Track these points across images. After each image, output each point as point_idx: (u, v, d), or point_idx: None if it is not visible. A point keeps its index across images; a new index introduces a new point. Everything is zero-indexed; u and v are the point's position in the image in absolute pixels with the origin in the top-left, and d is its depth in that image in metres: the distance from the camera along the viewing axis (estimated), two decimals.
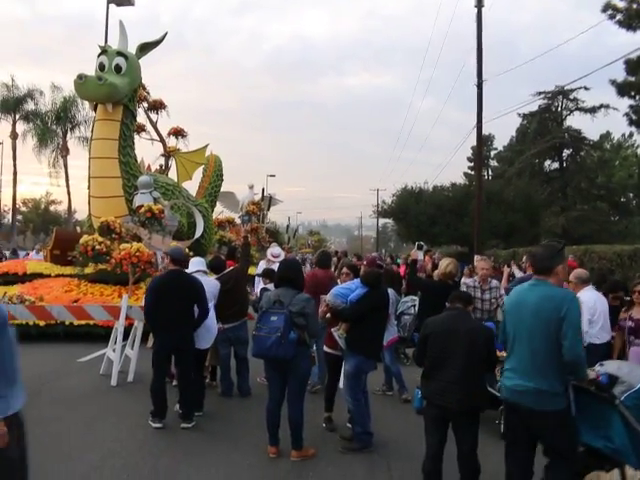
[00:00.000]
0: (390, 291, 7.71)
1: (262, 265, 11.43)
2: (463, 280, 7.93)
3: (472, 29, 23.99)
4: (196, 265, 7.45)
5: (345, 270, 7.25)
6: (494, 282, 7.89)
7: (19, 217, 53.94)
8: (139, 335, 8.71)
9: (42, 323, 11.18)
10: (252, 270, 11.60)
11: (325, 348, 6.64)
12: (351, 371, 5.98)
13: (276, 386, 5.71)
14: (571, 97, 44.12)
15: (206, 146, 19.90)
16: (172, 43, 19.45)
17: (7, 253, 27.17)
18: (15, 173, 42.42)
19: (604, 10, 29.66)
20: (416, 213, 41.27)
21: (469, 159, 58.02)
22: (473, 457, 4.48)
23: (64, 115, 40.19)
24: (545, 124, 46.04)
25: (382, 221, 67.85)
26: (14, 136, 41.49)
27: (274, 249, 11.69)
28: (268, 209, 28.95)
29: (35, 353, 10.59)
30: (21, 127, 41.45)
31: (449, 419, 4.51)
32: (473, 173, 47.55)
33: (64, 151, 41.76)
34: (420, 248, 9.62)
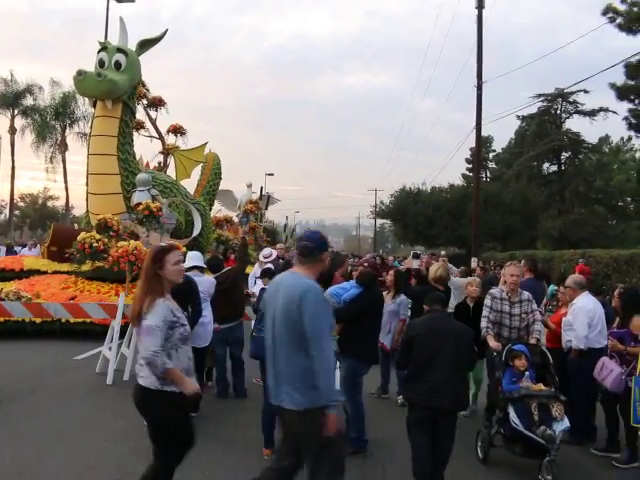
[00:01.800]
0: (403, 296, 7.82)
1: (256, 268, 11.38)
2: (490, 291, 6.64)
3: (472, 30, 24.09)
4: (193, 260, 7.37)
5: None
6: (525, 294, 6.49)
7: (16, 212, 53.78)
8: (135, 334, 8.68)
9: (38, 320, 11.15)
10: (249, 269, 11.54)
11: None
12: (345, 375, 5.95)
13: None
14: (570, 100, 44.22)
15: (205, 144, 19.85)
16: (172, 40, 19.47)
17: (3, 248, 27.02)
18: (13, 168, 42.36)
19: (604, 13, 29.77)
20: (414, 214, 41.37)
21: (467, 161, 58.08)
22: (450, 453, 4.74)
23: (63, 111, 40.13)
24: (544, 127, 46.10)
25: (380, 221, 68.09)
26: (12, 131, 41.39)
27: (265, 250, 11.66)
28: (266, 208, 28.93)
29: (31, 350, 10.59)
30: (20, 122, 41.41)
31: (437, 419, 4.51)
32: (471, 175, 47.71)
33: (62, 147, 41.71)
34: (417, 257, 9.57)
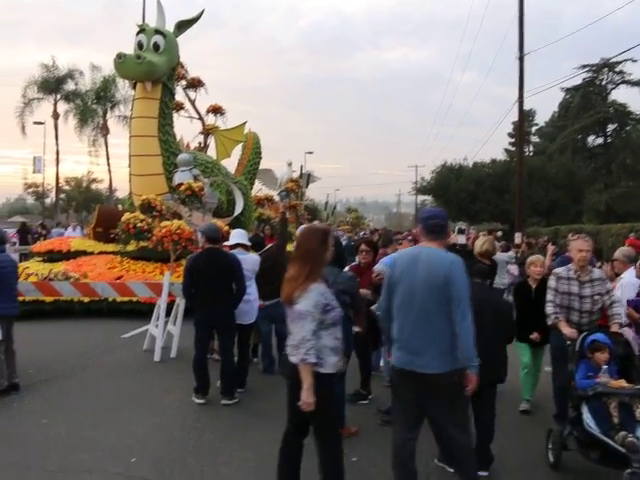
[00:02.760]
0: None
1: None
2: (554, 271, 5.94)
3: (513, 0, 23.41)
4: (237, 238, 7.32)
5: (364, 247, 6.93)
6: (597, 272, 5.76)
7: (62, 196, 54.82)
8: (181, 312, 8.79)
9: (86, 299, 11.38)
10: (289, 247, 11.55)
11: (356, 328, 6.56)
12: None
13: None
14: (617, 70, 42.82)
15: (244, 123, 19.87)
16: (209, 21, 19.40)
17: (54, 231, 27.63)
18: (57, 152, 43.13)
19: None
20: (456, 190, 40.83)
21: (510, 135, 56.94)
22: (492, 424, 4.76)
23: (104, 94, 40.65)
24: (589, 98, 44.81)
25: (421, 198, 67.19)
26: (56, 116, 42.10)
27: (302, 228, 11.63)
28: (306, 186, 28.90)
29: (80, 329, 10.83)
30: (62, 107, 42.08)
31: (477, 392, 4.44)
32: (514, 149, 46.87)
33: (104, 130, 42.29)
34: (462, 232, 9.35)
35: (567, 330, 5.30)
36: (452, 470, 4.44)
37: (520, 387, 6.50)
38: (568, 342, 5.20)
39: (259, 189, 23.58)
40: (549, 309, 5.60)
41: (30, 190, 62.90)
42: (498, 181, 39.52)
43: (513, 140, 53.84)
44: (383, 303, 4.09)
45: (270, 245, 8.24)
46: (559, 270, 5.81)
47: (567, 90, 46.19)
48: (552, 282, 5.70)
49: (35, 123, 41.01)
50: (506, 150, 57.14)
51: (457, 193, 40.93)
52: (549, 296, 5.66)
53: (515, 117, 25.82)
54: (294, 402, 3.75)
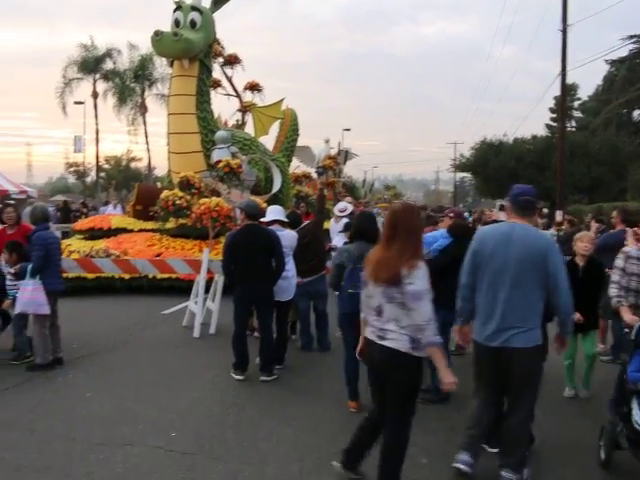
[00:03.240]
0: None
1: (333, 222, 11.31)
2: (623, 249, 5.60)
3: None
4: (274, 214, 7.25)
5: None
6: None
7: (102, 174, 55.61)
8: (220, 288, 8.85)
9: (127, 276, 11.54)
10: (326, 224, 11.50)
11: None
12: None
13: (354, 343, 5.66)
14: None
15: (282, 100, 19.81)
16: None
17: (102, 209, 28.10)
18: (97, 131, 43.70)
19: None
20: (495, 166, 40.25)
21: (551, 110, 55.62)
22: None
23: (142, 73, 40.96)
24: (635, 71, 43.40)
25: (460, 175, 66.53)
26: (95, 95, 42.57)
27: (339, 204, 11.56)
28: (344, 163, 28.78)
29: (121, 305, 10.99)
30: (101, 86, 42.52)
31: None
32: (556, 124, 45.84)
33: (142, 109, 42.67)
34: (503, 209, 9.18)
35: (628, 317, 5.04)
36: (492, 450, 4.40)
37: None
38: (626, 329, 4.88)
39: (297, 166, 23.54)
40: (613, 291, 5.36)
41: (71, 169, 63.93)
42: (539, 157, 38.79)
43: (555, 115, 52.54)
44: (466, 278, 4.13)
45: (307, 222, 8.21)
46: (629, 249, 5.55)
47: (612, 62, 44.80)
48: (619, 261, 5.45)
49: (75, 103, 41.46)
50: (547, 126, 55.89)
51: (497, 170, 40.33)
52: (615, 277, 5.42)
53: (557, 91, 25.30)
54: (380, 385, 3.80)
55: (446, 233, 6.12)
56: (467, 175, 60.06)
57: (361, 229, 5.69)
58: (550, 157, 34.99)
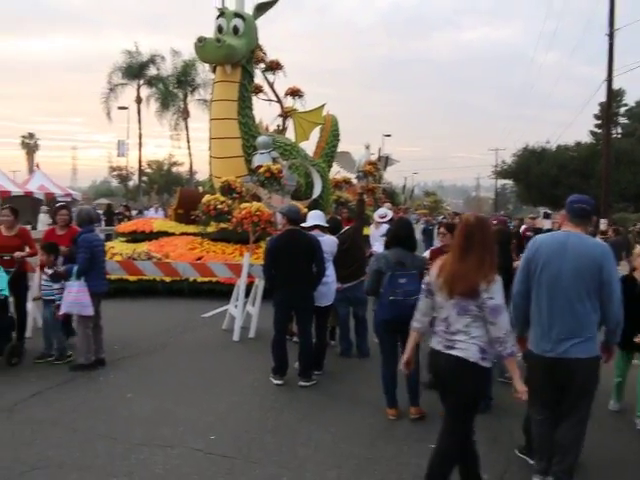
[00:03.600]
0: None
1: (372, 228, 11.26)
2: None
3: None
4: (314, 219, 7.21)
5: (442, 230, 6.74)
6: None
7: (144, 178, 56.45)
8: (260, 293, 8.88)
9: (168, 279, 11.66)
10: (366, 230, 11.46)
11: None
12: None
13: (392, 350, 5.66)
14: None
15: (323, 106, 19.82)
16: (286, 3, 19.38)
17: (134, 212, 28.62)
18: (140, 136, 44.42)
19: None
20: (538, 174, 39.75)
21: (596, 116, 54.47)
22: None
23: (184, 79, 41.50)
24: None
25: (501, 182, 65.72)
26: (138, 100, 43.28)
27: (379, 210, 11.52)
28: (384, 169, 28.69)
29: (162, 308, 11.12)
30: (145, 92, 43.22)
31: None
32: (601, 131, 44.93)
33: (185, 114, 43.23)
34: (547, 216, 8.99)
35: None
36: (533, 462, 4.32)
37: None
38: None
39: (337, 172, 23.53)
40: None
41: (114, 173, 65.02)
42: (583, 165, 38.17)
43: (600, 122, 51.45)
44: (520, 286, 4.09)
45: (347, 227, 8.19)
46: None
47: None
48: None
49: (119, 108, 42.25)
50: (592, 132, 54.78)
51: (539, 177, 39.82)
52: None
53: (602, 97, 24.80)
54: (448, 393, 3.77)
55: None
56: (508, 182, 59.33)
57: (398, 236, 5.67)
58: (594, 164, 34.37)
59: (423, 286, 3.94)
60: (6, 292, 6.93)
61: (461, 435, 3.79)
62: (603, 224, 20.52)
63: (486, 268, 3.59)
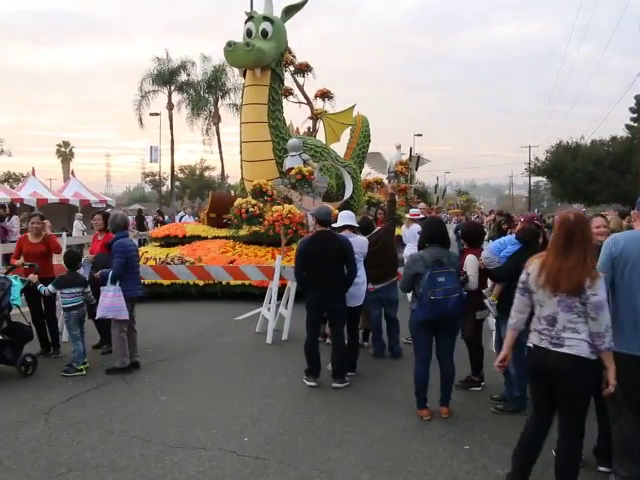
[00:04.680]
0: None
1: (404, 228, 11.21)
2: None
3: None
4: (345, 219, 7.15)
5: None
6: None
7: (177, 183, 57.04)
8: (292, 295, 8.89)
9: (201, 283, 11.75)
10: (398, 231, 11.39)
11: None
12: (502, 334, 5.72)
13: (427, 349, 5.62)
14: None
15: (353, 107, 19.84)
16: (314, 4, 19.44)
17: (166, 217, 28.94)
18: (172, 142, 44.83)
19: None
20: (572, 170, 39.16)
21: (632, 110, 53.47)
22: None
23: (215, 84, 41.79)
24: None
25: (534, 179, 64.80)
26: (170, 106, 43.72)
27: (412, 210, 11.46)
28: (416, 169, 28.55)
29: (196, 311, 11.20)
30: (176, 98, 43.64)
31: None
32: (637, 125, 44.14)
33: (216, 118, 43.51)
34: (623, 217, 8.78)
35: None
36: (603, 469, 4.32)
37: None
38: None
39: (368, 173, 23.52)
40: None
41: (147, 179, 65.93)
42: (619, 160, 37.48)
43: (636, 115, 50.58)
44: (607, 286, 4.03)
45: (378, 228, 8.14)
46: None
47: None
48: None
49: (151, 114, 42.75)
50: (628, 126, 53.77)
51: (573, 173, 39.21)
52: None
53: (639, 90, 24.28)
54: (548, 394, 3.81)
55: (514, 239, 5.93)
56: (542, 179, 58.50)
57: (435, 234, 5.63)
58: (631, 159, 33.76)
59: (519, 284, 3.97)
60: (18, 302, 6.90)
61: (582, 430, 3.80)
62: None
63: (589, 264, 3.64)
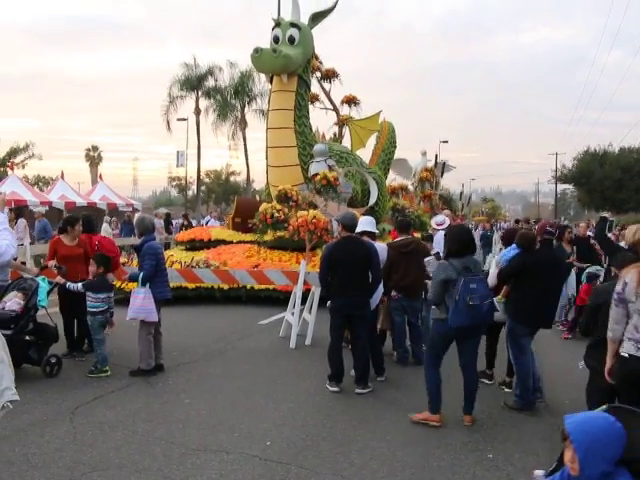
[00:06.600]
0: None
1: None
2: None
3: None
4: (364, 225, 7.13)
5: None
6: None
7: (202, 188, 57.35)
8: (316, 300, 8.89)
9: (226, 286, 11.80)
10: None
11: None
12: (507, 332, 6.18)
13: (442, 357, 5.63)
14: None
15: (379, 113, 19.81)
16: (342, 10, 19.50)
17: (193, 221, 29.11)
18: (199, 147, 45.08)
19: None
20: (600, 177, 38.68)
21: None
22: None
23: (242, 89, 41.99)
24: None
25: (561, 187, 64.11)
26: (197, 112, 44.02)
27: (437, 217, 11.42)
28: (441, 176, 28.41)
29: (220, 315, 11.24)
30: (203, 103, 43.92)
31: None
32: None
33: (242, 124, 43.70)
34: (604, 221, 8.66)
35: None
36: None
37: None
38: None
39: (393, 179, 23.45)
40: None
41: (174, 183, 66.35)
42: None
43: None
44: None
45: (407, 237, 8.09)
46: None
47: None
48: None
49: (179, 120, 43.06)
50: None
51: (601, 181, 38.73)
52: None
53: None
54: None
55: (515, 245, 6.35)
56: (569, 187, 57.84)
57: (461, 242, 5.60)
58: None
59: (615, 295, 3.94)
60: (44, 302, 6.92)
61: None
62: None
63: None
